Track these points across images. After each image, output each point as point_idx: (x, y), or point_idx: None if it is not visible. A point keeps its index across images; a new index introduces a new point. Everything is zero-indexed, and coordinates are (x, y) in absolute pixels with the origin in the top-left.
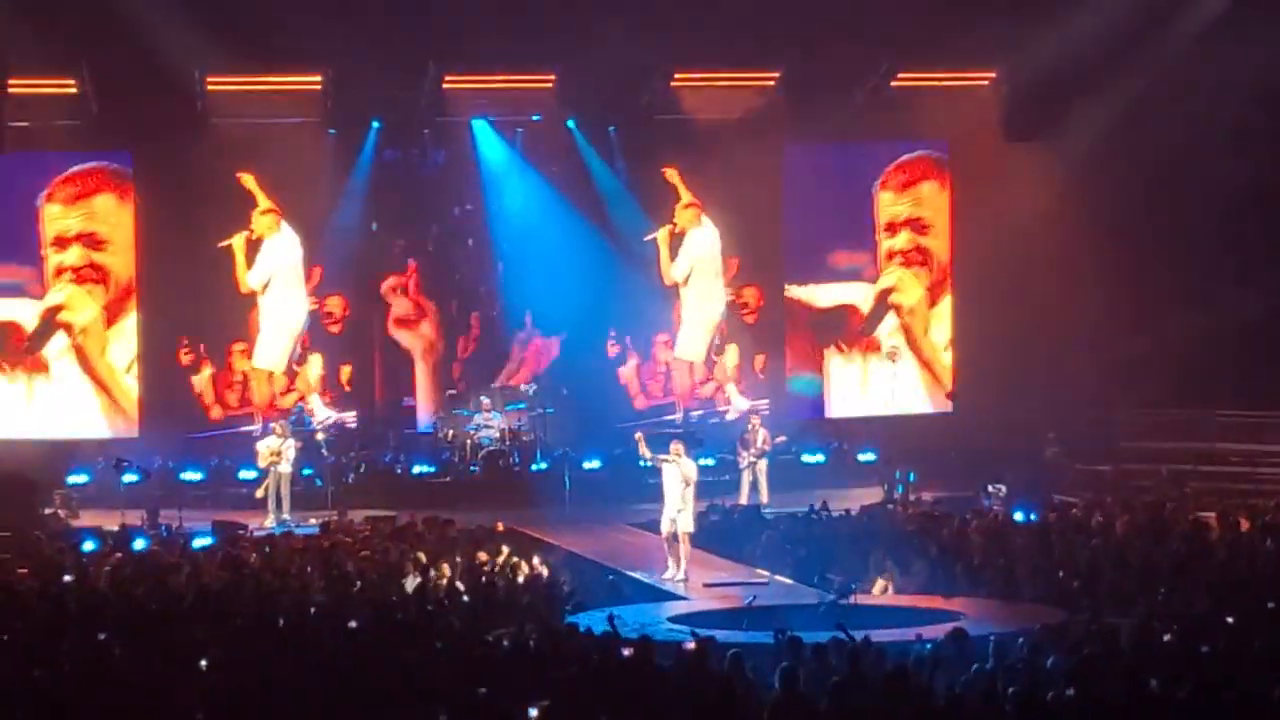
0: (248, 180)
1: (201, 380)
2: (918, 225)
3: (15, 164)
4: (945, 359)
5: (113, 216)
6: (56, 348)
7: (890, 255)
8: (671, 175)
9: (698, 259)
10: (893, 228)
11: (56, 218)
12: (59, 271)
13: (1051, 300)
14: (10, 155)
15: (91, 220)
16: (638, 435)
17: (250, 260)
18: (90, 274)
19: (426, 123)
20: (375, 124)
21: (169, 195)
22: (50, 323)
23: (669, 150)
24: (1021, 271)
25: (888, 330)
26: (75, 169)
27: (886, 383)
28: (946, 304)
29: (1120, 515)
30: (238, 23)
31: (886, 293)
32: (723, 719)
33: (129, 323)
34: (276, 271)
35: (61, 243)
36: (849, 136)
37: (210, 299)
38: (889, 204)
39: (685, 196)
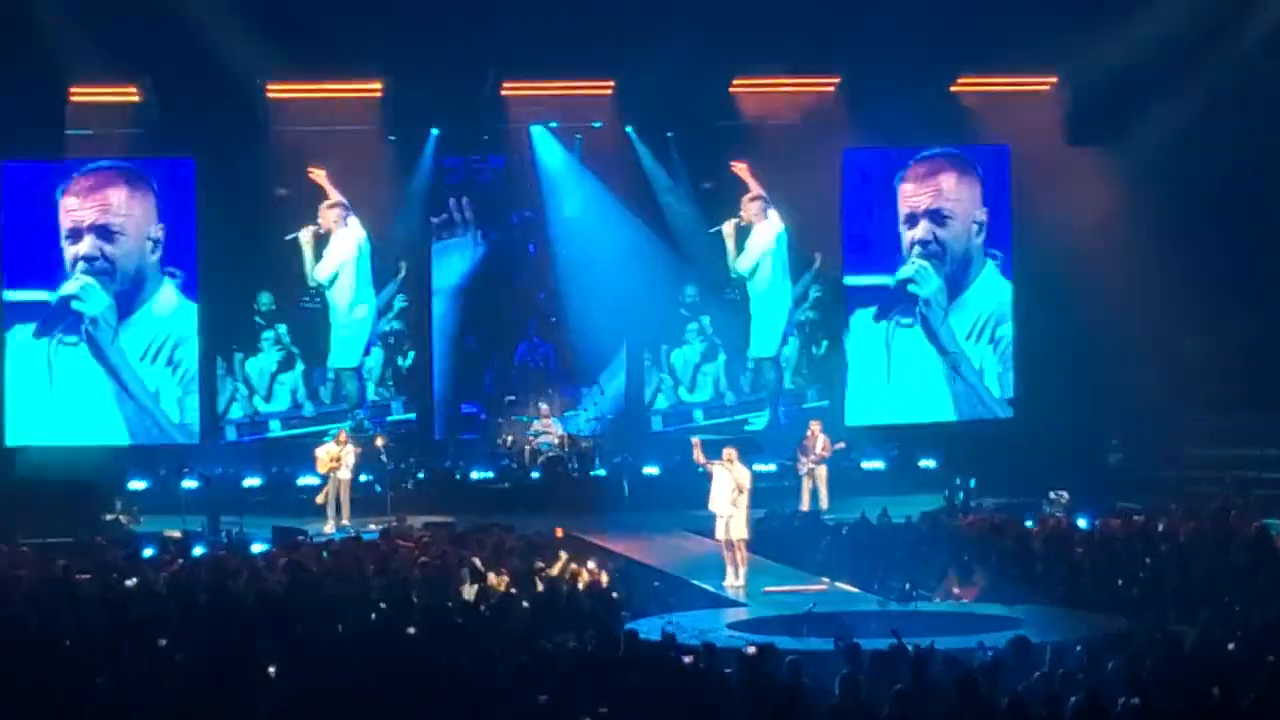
0: (319, 175)
1: (294, 376)
2: (936, 216)
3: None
4: (969, 349)
5: (124, 208)
6: (70, 338)
7: (910, 245)
8: (740, 169)
9: (764, 253)
10: (913, 218)
11: (72, 210)
12: (74, 262)
13: (1114, 304)
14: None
15: (104, 213)
16: (694, 440)
17: (318, 254)
18: (102, 265)
19: (486, 129)
20: (434, 131)
21: (232, 202)
22: (63, 310)
23: (728, 156)
24: (1084, 276)
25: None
26: (88, 173)
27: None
28: (967, 295)
29: (1184, 522)
30: (298, 31)
31: (904, 283)
32: None
33: (144, 314)
34: (345, 265)
35: (75, 234)
36: (909, 141)
37: (285, 298)
38: (910, 195)
39: (754, 189)
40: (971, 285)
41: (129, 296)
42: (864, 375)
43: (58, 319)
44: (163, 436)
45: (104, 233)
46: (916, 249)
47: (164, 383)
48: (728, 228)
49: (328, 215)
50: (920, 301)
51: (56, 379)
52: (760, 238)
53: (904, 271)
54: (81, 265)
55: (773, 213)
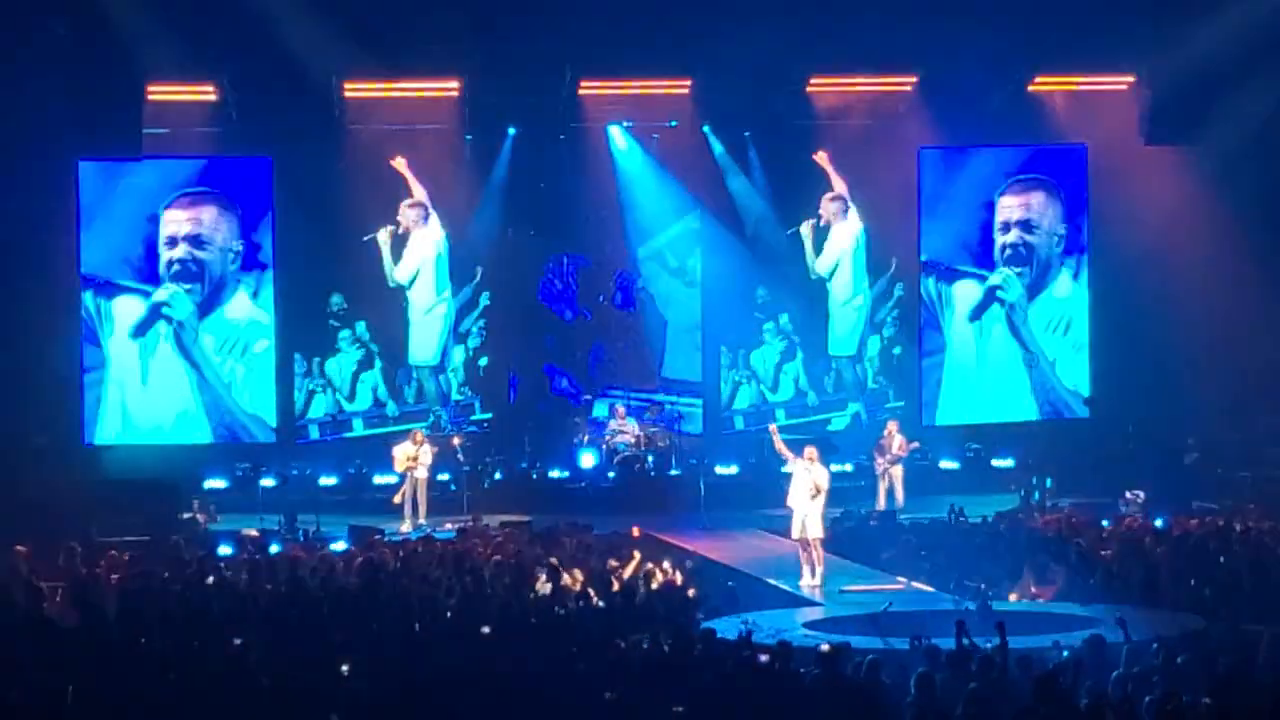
0: (399, 164)
1: (375, 375)
2: (1026, 225)
3: (153, 170)
4: (1046, 341)
5: (214, 224)
6: (157, 337)
7: (1002, 249)
8: (821, 158)
9: (843, 253)
10: (1007, 226)
11: (172, 221)
12: (169, 264)
13: (1191, 304)
14: (150, 160)
15: (198, 225)
16: (772, 428)
17: (397, 254)
18: (191, 268)
19: (562, 128)
20: (511, 130)
21: (309, 200)
22: (154, 314)
23: (804, 155)
24: (1160, 276)
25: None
26: (190, 190)
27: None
28: (1044, 296)
29: (1261, 522)
30: (375, 29)
31: (993, 289)
32: None
33: (221, 314)
34: (424, 265)
35: (173, 241)
36: (986, 140)
37: (362, 298)
38: (1006, 205)
39: (836, 186)
40: (1049, 287)
41: (211, 298)
42: (939, 375)
43: (150, 322)
44: (237, 426)
45: (196, 241)
46: (1007, 252)
47: (237, 375)
48: (805, 229)
49: (407, 214)
50: (1007, 305)
51: (141, 380)
52: (839, 238)
53: (993, 279)
54: (175, 268)
55: (852, 213)
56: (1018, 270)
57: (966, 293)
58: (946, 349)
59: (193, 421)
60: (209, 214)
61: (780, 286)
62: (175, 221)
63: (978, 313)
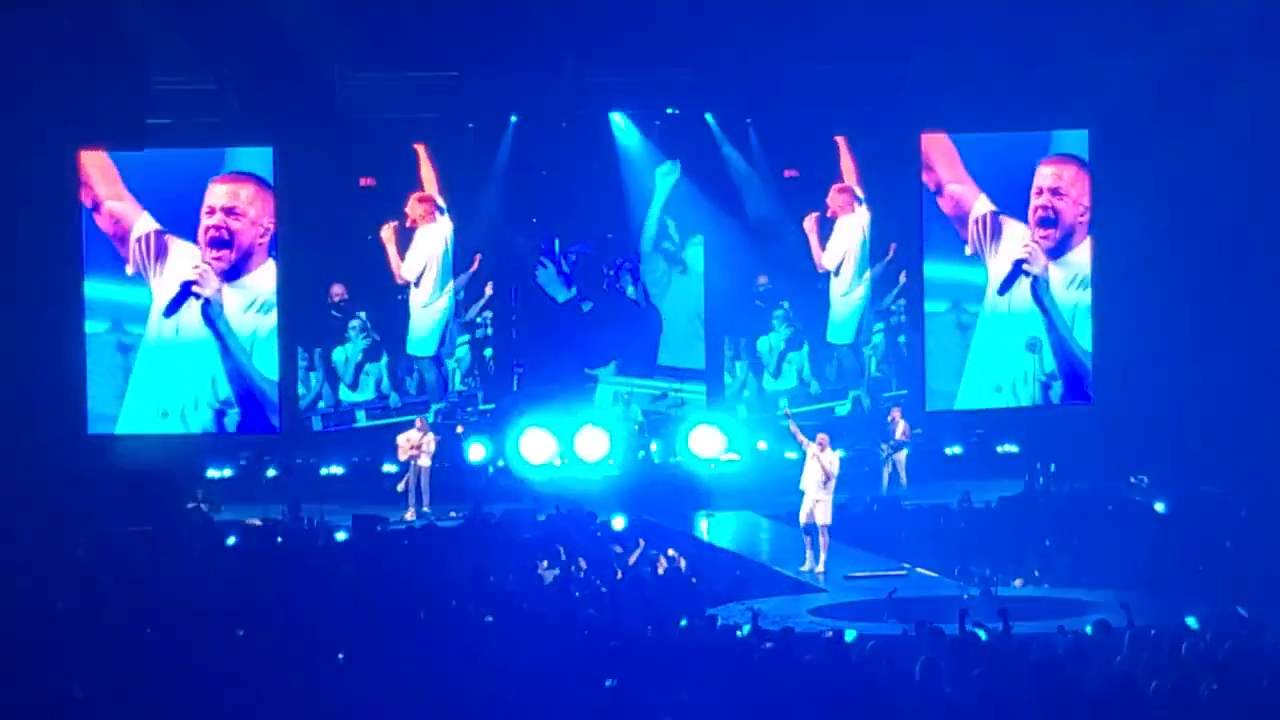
0: (420, 148)
1: (379, 367)
2: (1056, 192)
3: (180, 158)
4: (1063, 300)
5: (250, 199)
6: (189, 313)
7: (1034, 210)
8: (840, 144)
9: (850, 245)
10: (1040, 191)
11: (214, 192)
12: (205, 230)
13: (1195, 286)
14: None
15: (236, 199)
16: (786, 411)
17: (403, 249)
18: (223, 234)
19: (564, 116)
20: (513, 118)
21: (310, 190)
22: (185, 292)
23: (806, 142)
24: (1166, 258)
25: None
26: (231, 173)
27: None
28: (1067, 258)
29: (1267, 505)
30: (377, 18)
31: (1020, 261)
32: (864, 710)
33: (246, 280)
34: (431, 261)
35: (211, 210)
36: (988, 124)
37: (363, 289)
38: (1042, 174)
39: (846, 176)
40: (1070, 251)
41: (239, 264)
42: (943, 361)
43: (182, 299)
44: (256, 391)
45: (231, 212)
46: (1039, 213)
47: (258, 339)
48: (809, 223)
49: (416, 208)
50: (1033, 278)
51: (156, 368)
52: (846, 229)
53: (1020, 254)
54: (210, 233)
55: (860, 207)
56: (1044, 233)
57: (1014, 235)
58: (978, 320)
59: (214, 386)
60: (248, 190)
61: (781, 275)
62: (217, 193)
63: (1005, 286)
